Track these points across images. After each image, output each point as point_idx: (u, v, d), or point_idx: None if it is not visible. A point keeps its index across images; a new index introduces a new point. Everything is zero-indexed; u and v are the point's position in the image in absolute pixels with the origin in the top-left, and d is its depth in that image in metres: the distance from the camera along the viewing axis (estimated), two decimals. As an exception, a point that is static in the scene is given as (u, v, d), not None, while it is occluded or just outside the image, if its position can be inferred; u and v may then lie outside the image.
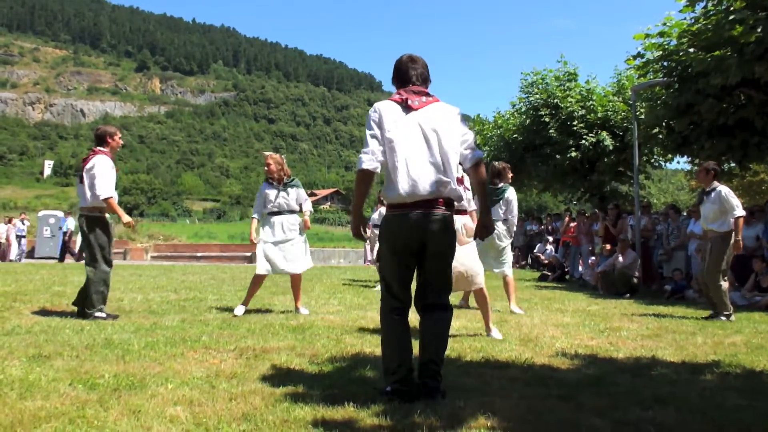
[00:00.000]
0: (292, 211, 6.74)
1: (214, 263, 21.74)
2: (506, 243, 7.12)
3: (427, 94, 3.33)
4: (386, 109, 3.26)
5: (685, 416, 2.96)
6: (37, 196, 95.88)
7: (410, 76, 3.37)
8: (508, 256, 7.22)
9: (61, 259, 20.73)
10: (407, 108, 3.26)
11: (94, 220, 5.99)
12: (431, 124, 3.23)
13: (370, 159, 3.18)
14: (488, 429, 2.67)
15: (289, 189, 6.72)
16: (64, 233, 21.22)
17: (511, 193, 7.09)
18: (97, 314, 5.82)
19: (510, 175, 7.19)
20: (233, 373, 3.67)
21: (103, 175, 5.91)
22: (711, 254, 7.00)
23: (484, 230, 3.43)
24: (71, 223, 21.66)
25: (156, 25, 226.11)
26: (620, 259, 10.41)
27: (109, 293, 6.13)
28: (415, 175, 3.16)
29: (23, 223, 20.91)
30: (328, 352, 4.38)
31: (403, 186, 3.16)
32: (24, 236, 20.72)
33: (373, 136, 3.22)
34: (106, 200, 5.90)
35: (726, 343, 5.20)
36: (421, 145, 3.21)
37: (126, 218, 6.03)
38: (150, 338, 4.78)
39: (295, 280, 6.81)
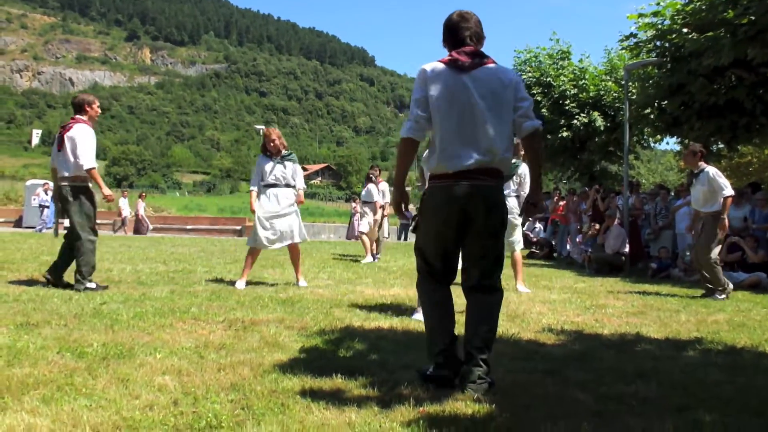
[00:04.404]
0: (288, 185, 6.75)
1: (204, 236, 21.69)
2: (518, 220, 6.87)
3: (482, 56, 2.98)
4: (433, 71, 2.94)
5: (667, 391, 3.01)
6: (25, 165, 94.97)
7: (463, 37, 3.00)
8: (519, 233, 7.08)
9: None
10: (457, 69, 2.93)
11: (80, 189, 5.93)
12: (482, 87, 2.91)
13: (412, 127, 2.91)
14: (474, 401, 2.71)
15: (286, 162, 6.74)
16: None
17: (524, 169, 6.78)
18: (88, 285, 5.80)
19: (522, 151, 6.73)
20: (222, 344, 3.69)
21: (85, 145, 5.85)
22: (703, 234, 7.07)
23: (531, 208, 3.20)
24: None
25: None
26: (610, 240, 10.47)
27: (96, 263, 6.12)
28: (459, 143, 2.88)
29: (47, 193, 19.63)
30: (317, 324, 4.40)
31: (445, 155, 2.89)
32: (48, 206, 19.30)
33: (418, 102, 2.93)
34: (89, 171, 5.86)
35: (709, 321, 5.29)
36: (468, 110, 2.89)
37: (106, 191, 6.03)
38: (139, 308, 4.79)
39: (294, 252, 6.88)
